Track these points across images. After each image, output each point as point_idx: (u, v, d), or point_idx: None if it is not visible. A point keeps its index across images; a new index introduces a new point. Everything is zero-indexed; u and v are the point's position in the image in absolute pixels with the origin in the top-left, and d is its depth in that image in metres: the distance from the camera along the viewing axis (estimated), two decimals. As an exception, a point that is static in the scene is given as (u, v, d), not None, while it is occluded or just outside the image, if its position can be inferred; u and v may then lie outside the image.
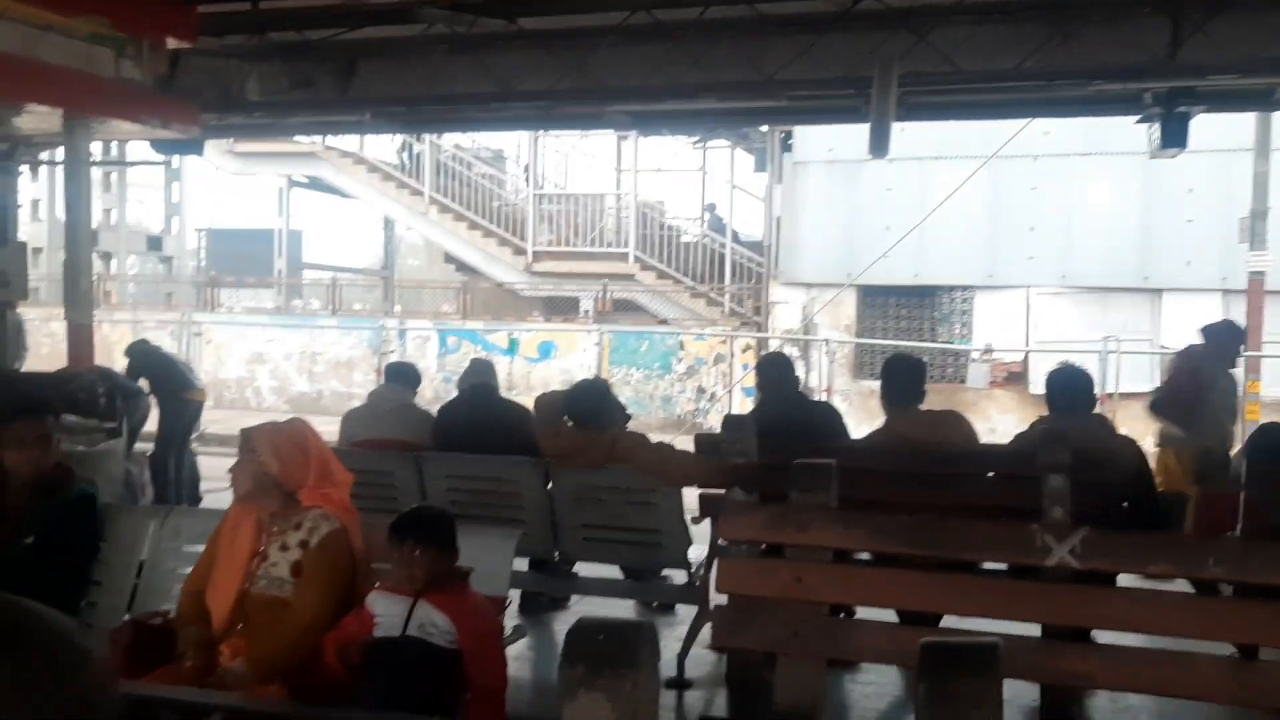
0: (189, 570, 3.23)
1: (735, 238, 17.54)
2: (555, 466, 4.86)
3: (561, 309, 17.93)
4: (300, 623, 2.91)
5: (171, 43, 5.85)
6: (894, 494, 4.15)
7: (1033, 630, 3.08)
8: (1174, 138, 7.38)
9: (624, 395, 15.53)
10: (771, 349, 14.34)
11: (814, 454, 4.13)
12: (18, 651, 1.23)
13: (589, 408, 4.82)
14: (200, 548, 3.24)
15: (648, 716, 1.61)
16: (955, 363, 14.81)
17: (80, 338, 4.88)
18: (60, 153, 6.39)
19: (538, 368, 15.92)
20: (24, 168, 6.20)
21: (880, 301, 15.45)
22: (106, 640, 3.06)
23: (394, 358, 15.21)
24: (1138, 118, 7.71)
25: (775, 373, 5.47)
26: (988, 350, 14.01)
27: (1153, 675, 2.73)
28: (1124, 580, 3.35)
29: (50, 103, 4.77)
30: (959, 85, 7.03)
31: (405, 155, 18.48)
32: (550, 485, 4.96)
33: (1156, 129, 7.45)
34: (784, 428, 4.73)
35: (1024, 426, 4.96)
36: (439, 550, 2.83)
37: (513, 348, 16.15)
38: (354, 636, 2.88)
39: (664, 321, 16.93)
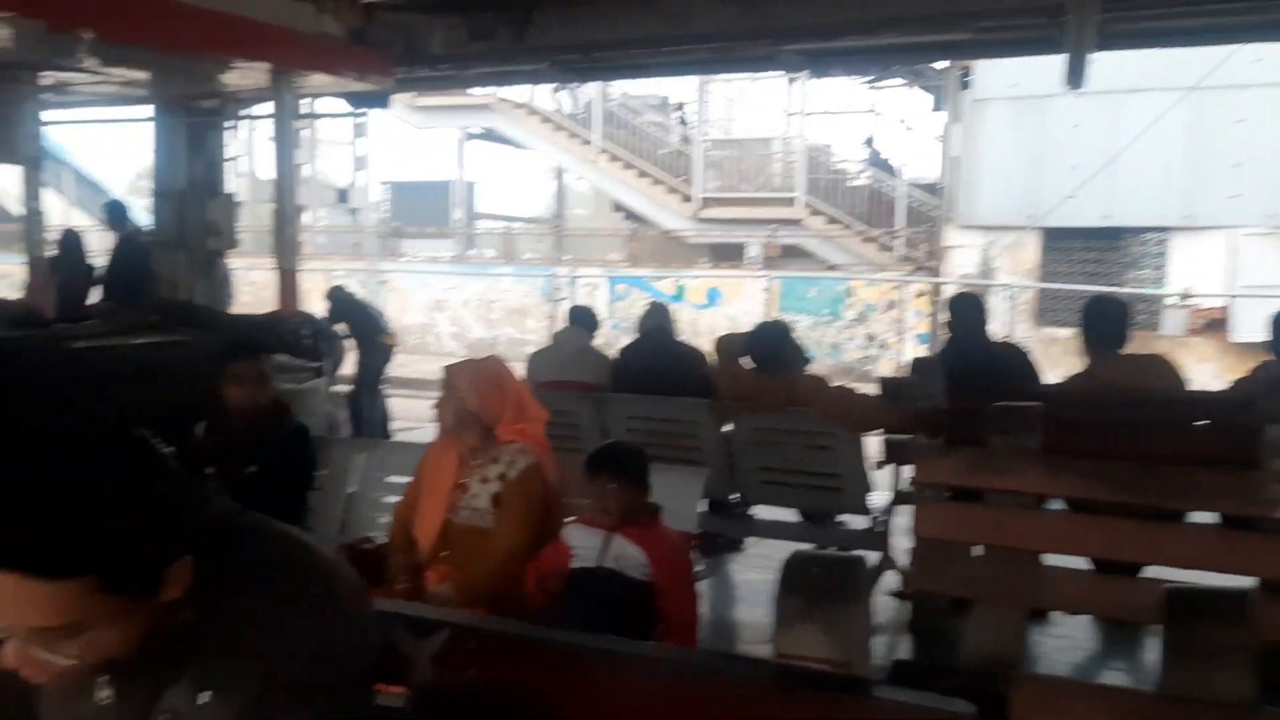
0: (394, 500, 3.41)
1: (908, 180, 17.01)
2: (733, 409, 4.86)
3: (728, 255, 17.85)
4: (500, 551, 3.03)
5: (363, -2, 6.05)
6: (1096, 441, 3.95)
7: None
8: None
9: (792, 342, 15.46)
10: (951, 294, 13.88)
11: (1007, 398, 4.00)
12: (297, 577, 1.32)
13: (769, 350, 4.79)
14: (403, 479, 3.41)
15: (861, 651, 1.60)
16: (1148, 309, 13.97)
17: (288, 283, 5.18)
18: (258, 110, 6.73)
19: (704, 314, 15.93)
20: (231, 124, 6.58)
21: (1065, 245, 14.70)
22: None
23: (565, 305, 15.53)
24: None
25: (966, 314, 5.28)
26: (1185, 295, 13.15)
27: None
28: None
29: (258, 58, 5.03)
30: (1164, 9, 6.54)
31: (574, 105, 18.68)
32: (728, 428, 4.97)
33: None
34: (974, 371, 4.58)
35: (1223, 376, 4.65)
36: (632, 485, 2.88)
37: (679, 295, 16.21)
38: (552, 567, 2.98)
39: (833, 268, 16.63)
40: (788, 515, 5.39)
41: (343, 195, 16.92)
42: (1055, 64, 6.50)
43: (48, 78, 5.99)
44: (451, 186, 19.69)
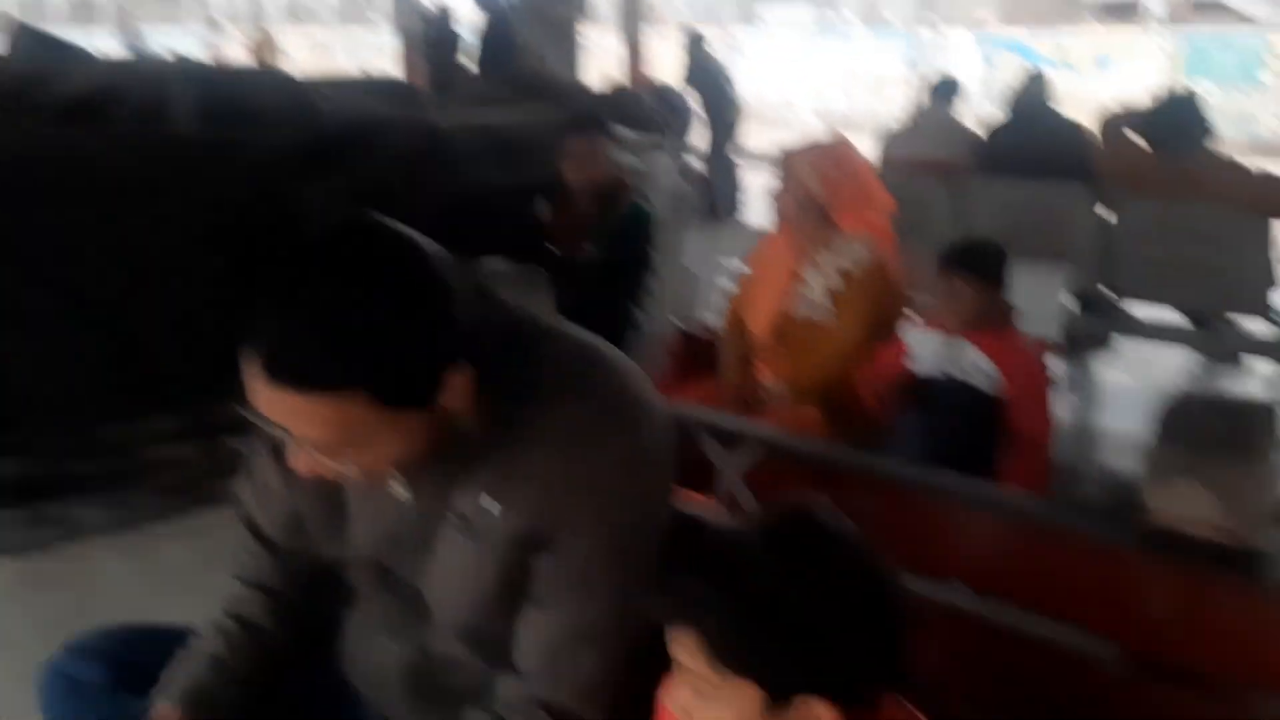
0: (732, 284, 3.32)
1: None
2: (1116, 194, 4.27)
3: (1121, 12, 15.61)
4: (836, 348, 2.89)
5: None
6: None
7: None
8: None
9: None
10: None
11: None
12: (587, 399, 1.24)
13: (1169, 125, 4.10)
14: (742, 264, 3.30)
15: (1258, 518, 1.31)
16: None
17: (634, 54, 5.09)
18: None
19: (1089, 83, 14.17)
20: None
21: None
22: (659, 348, 3.30)
23: (928, 74, 14.43)
24: None
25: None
26: None
27: None
28: None
29: None
30: None
31: None
32: (1109, 216, 4.40)
33: None
34: None
35: None
36: (986, 284, 2.60)
37: (1062, 60, 14.49)
38: (891, 371, 2.80)
39: (1247, 21, 14.09)
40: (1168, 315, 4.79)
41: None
42: None
43: None
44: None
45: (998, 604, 1.44)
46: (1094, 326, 4.81)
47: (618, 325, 3.38)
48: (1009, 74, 14.01)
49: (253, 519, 1.49)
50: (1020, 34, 14.97)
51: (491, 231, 3.42)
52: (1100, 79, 14.06)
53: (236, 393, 1.18)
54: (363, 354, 1.07)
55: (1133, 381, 4.77)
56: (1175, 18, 14.31)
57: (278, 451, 1.27)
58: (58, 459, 3.61)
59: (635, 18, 5.13)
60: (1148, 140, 4.16)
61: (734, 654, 1.02)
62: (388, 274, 1.09)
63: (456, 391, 1.16)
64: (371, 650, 1.44)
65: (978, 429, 2.57)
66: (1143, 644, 1.32)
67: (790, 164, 2.99)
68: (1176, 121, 4.12)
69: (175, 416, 3.87)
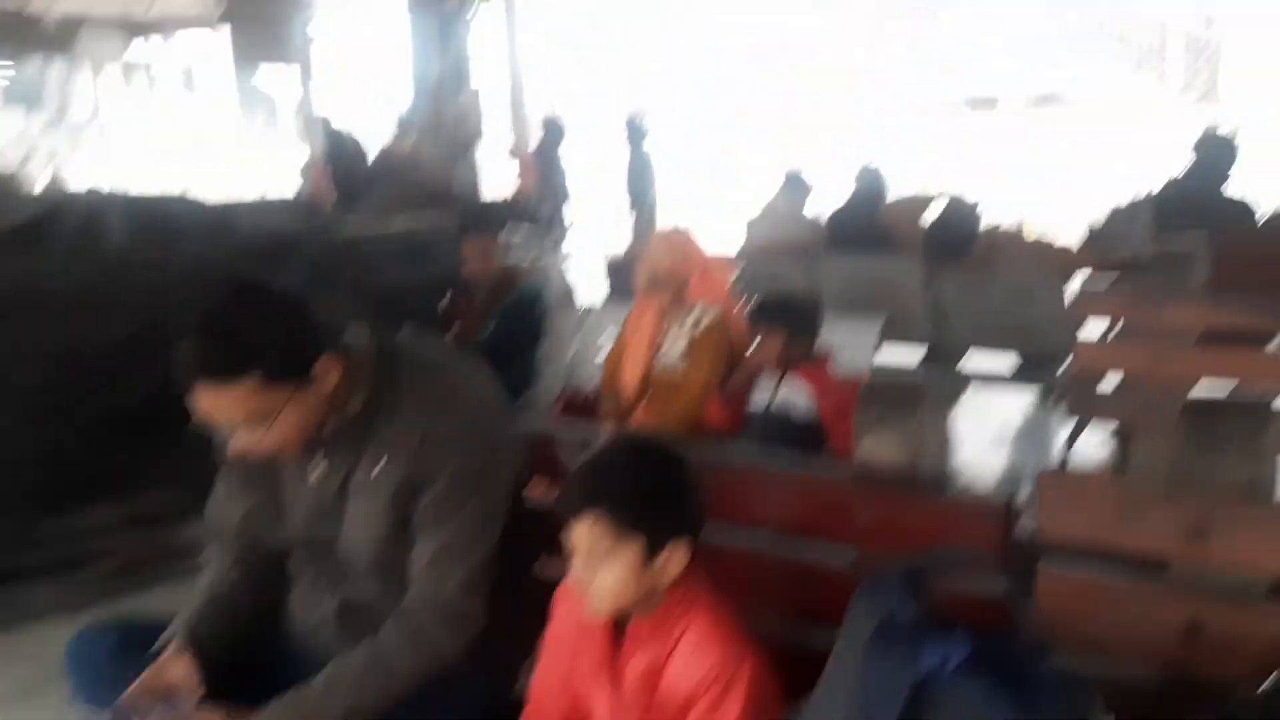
0: (607, 350, 3.92)
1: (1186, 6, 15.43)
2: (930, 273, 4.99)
3: (982, 102, 17.00)
4: (693, 395, 3.48)
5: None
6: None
7: None
8: None
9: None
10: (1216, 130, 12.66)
11: (1211, 240, 3.94)
12: (449, 381, 1.84)
13: (959, 238, 4.83)
14: (615, 332, 3.90)
15: (935, 456, 1.90)
16: None
17: (525, 164, 5.74)
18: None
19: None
20: (471, 18, 7.12)
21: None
22: (550, 406, 3.87)
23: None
24: None
25: (1207, 158, 5.04)
26: None
27: None
28: None
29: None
30: None
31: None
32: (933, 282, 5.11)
33: None
34: (1185, 215, 4.47)
35: None
36: (791, 332, 3.21)
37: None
38: (735, 405, 3.40)
39: (1099, 108, 15.51)
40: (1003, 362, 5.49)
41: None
42: None
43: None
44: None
45: (779, 537, 2.03)
46: (933, 375, 5.50)
47: (513, 391, 3.91)
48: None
49: (219, 526, 1.99)
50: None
51: (397, 324, 3.95)
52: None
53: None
54: (251, 347, 1.64)
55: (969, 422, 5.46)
56: (1032, 104, 15.68)
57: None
58: (6, 549, 3.93)
59: (522, 136, 5.82)
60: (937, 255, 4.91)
61: (629, 515, 1.60)
62: (261, 298, 1.68)
63: (329, 374, 1.73)
64: (309, 608, 1.94)
65: (801, 448, 3.14)
66: (864, 546, 1.90)
67: (646, 248, 3.63)
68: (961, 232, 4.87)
69: (115, 508, 4.22)
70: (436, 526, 1.79)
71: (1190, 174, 4.99)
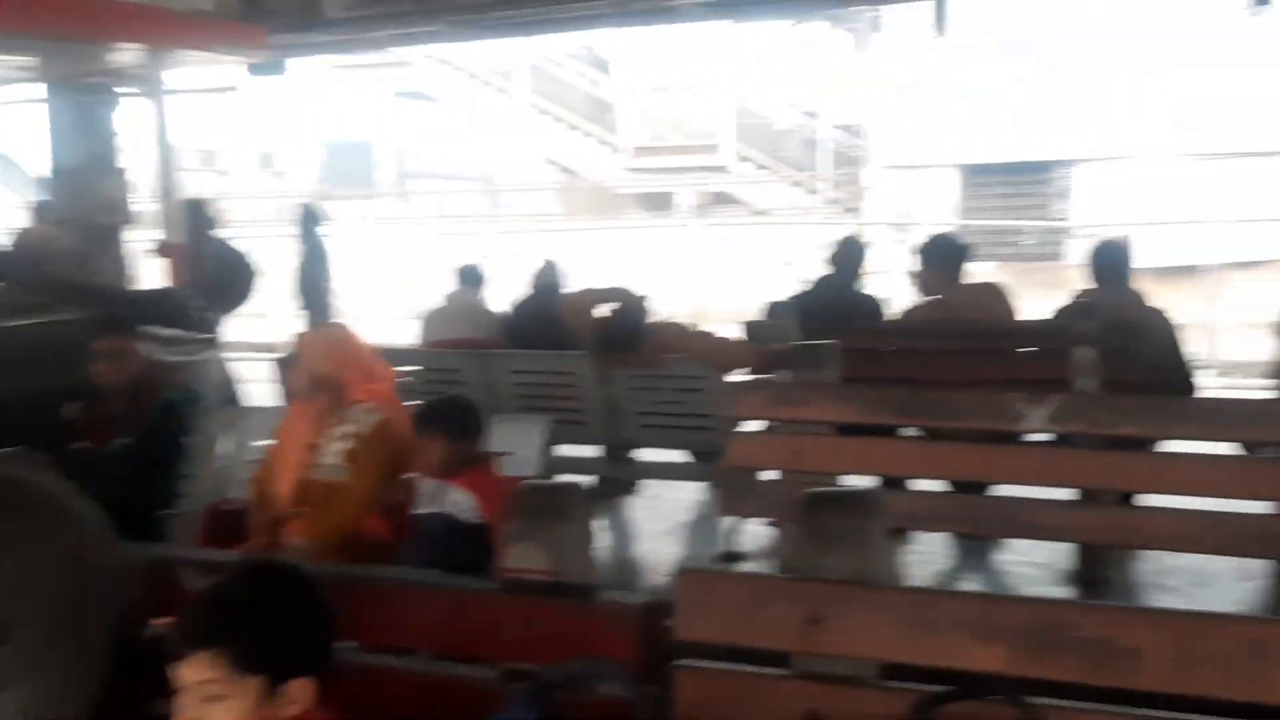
0: (259, 459, 3.64)
1: (834, 123, 17.22)
2: (606, 364, 5.09)
3: (658, 204, 18.02)
4: (353, 503, 3.29)
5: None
6: (926, 370, 4.26)
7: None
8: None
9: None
10: (850, 235, 14.12)
11: (851, 334, 4.29)
12: (22, 511, 1.59)
13: (627, 333, 4.99)
14: (267, 442, 3.63)
15: (580, 563, 1.87)
16: (1057, 240, 14.40)
17: (174, 255, 5.34)
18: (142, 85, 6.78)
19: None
20: (117, 100, 6.64)
21: (983, 180, 15.04)
22: (194, 523, 3.52)
23: (496, 261, 15.66)
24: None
25: (843, 257, 5.53)
26: (1089, 225, 13.56)
27: (1197, 535, 2.86)
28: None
29: (124, 39, 5.14)
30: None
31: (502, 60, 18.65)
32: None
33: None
34: (828, 311, 4.87)
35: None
36: (453, 437, 3.13)
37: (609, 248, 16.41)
38: (400, 512, 3.24)
39: (760, 213, 16.87)
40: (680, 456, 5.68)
41: (267, 159, 16.89)
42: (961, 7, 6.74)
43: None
44: (379, 146, 19.61)
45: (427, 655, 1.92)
46: (609, 470, 5.60)
47: (149, 507, 3.54)
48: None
49: None
50: (577, 226, 16.80)
51: (12, 430, 3.49)
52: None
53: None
54: None
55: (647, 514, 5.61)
56: (701, 210, 16.76)
57: None
58: None
59: (173, 223, 5.43)
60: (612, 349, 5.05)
61: (248, 655, 1.47)
62: None
63: None
64: None
65: (468, 551, 3.04)
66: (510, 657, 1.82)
67: (300, 347, 3.43)
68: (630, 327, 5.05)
69: None
70: (22, 678, 1.53)
71: (829, 273, 5.47)
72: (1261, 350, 5.81)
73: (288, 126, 16.37)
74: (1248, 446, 3.62)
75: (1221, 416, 2.83)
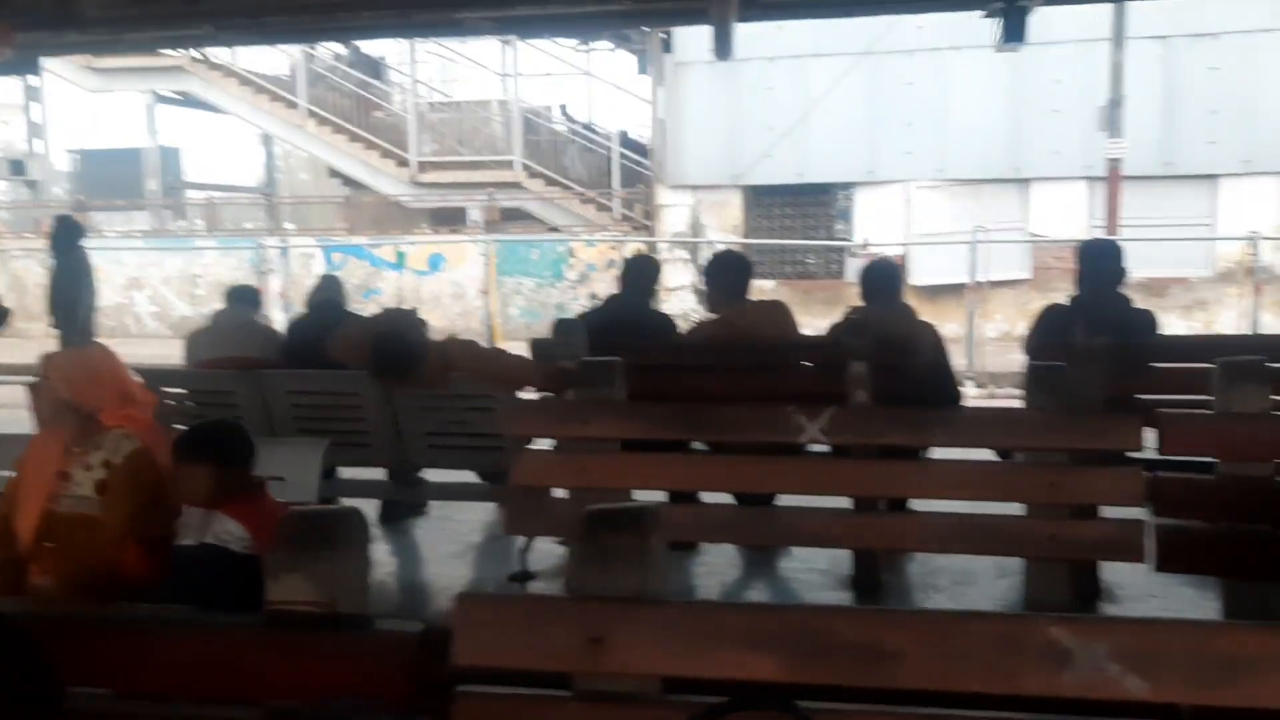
0: (-1, 494, 3.30)
1: (624, 142, 17.48)
2: (389, 384, 4.92)
3: (449, 220, 17.76)
4: (105, 537, 3.03)
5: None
6: (709, 386, 4.37)
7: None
8: (1014, 32, 7.51)
9: (516, 305, 15.70)
10: (643, 252, 14.46)
11: (639, 352, 4.33)
12: None
13: (403, 354, 4.83)
14: (8, 473, 3.31)
15: (353, 592, 1.78)
16: (838, 258, 15.16)
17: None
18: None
19: (427, 280, 15.86)
20: None
21: (765, 201, 15.65)
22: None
23: (277, 277, 15.02)
24: (984, 13, 7.84)
25: (634, 275, 5.57)
26: (865, 244, 14.36)
27: (956, 537, 3.03)
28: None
29: None
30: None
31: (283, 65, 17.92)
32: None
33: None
34: (618, 329, 4.90)
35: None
36: (220, 464, 2.93)
37: (400, 261, 16.04)
38: (161, 547, 3.01)
39: (554, 229, 16.91)
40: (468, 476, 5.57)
41: (18, 166, 15.53)
42: (745, 30, 6.89)
43: None
44: (145, 154, 18.38)
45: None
46: (398, 493, 5.44)
47: None
48: (355, 274, 15.25)
49: None
50: (363, 240, 16.32)
51: None
52: (434, 277, 15.85)
53: None
54: None
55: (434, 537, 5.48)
56: (492, 227, 16.61)
57: None
58: None
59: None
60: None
61: None
62: None
63: None
64: None
65: (238, 583, 2.85)
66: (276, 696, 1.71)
67: (43, 371, 3.14)
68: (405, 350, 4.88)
69: None
70: None
71: (620, 291, 5.51)
72: (1016, 362, 6.31)
73: (43, 131, 15.08)
74: (1001, 453, 3.90)
75: (979, 425, 3.02)
